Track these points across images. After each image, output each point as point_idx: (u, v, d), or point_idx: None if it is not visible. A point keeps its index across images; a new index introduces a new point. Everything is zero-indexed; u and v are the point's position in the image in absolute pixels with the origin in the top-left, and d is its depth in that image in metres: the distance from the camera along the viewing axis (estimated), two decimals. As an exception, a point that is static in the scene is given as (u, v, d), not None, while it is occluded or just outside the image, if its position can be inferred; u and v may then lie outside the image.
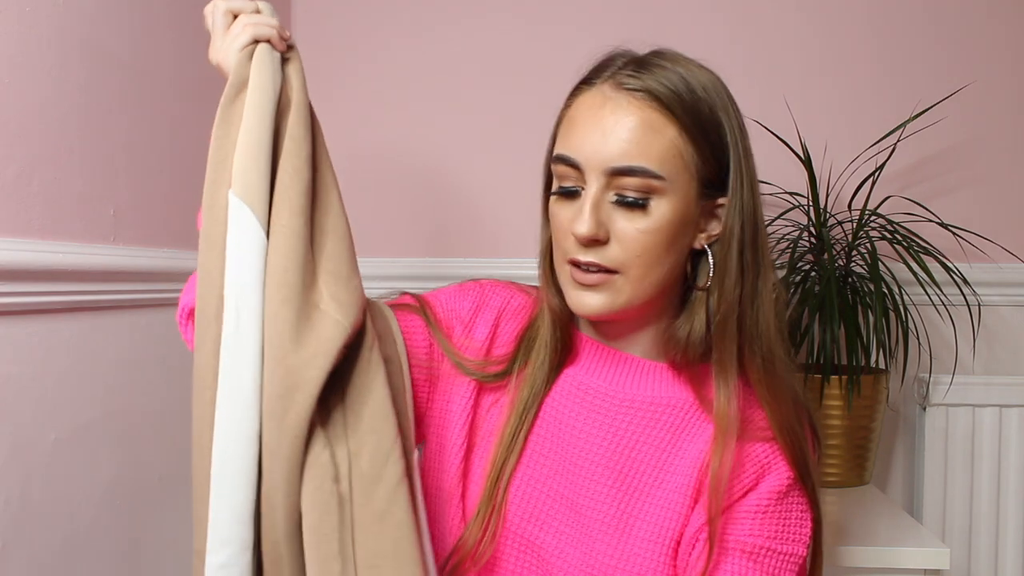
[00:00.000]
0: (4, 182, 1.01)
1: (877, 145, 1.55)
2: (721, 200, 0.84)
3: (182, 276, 1.37)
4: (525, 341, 0.91)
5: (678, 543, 0.83)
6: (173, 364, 1.37)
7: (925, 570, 1.16)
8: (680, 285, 0.87)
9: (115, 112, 1.22)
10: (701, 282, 0.86)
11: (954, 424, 1.52)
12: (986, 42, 1.62)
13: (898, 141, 1.51)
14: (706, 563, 0.80)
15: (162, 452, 1.33)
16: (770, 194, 1.59)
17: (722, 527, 0.81)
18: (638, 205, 0.80)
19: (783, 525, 0.82)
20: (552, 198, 0.85)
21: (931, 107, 1.54)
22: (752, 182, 0.84)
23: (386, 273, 1.76)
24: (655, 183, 0.79)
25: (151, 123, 1.31)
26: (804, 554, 0.83)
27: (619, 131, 0.79)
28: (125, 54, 1.24)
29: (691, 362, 0.86)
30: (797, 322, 1.47)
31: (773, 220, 1.53)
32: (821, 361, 1.41)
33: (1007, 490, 1.51)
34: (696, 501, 0.83)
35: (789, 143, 1.55)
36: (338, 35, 1.77)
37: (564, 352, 0.90)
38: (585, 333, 0.92)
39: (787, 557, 0.82)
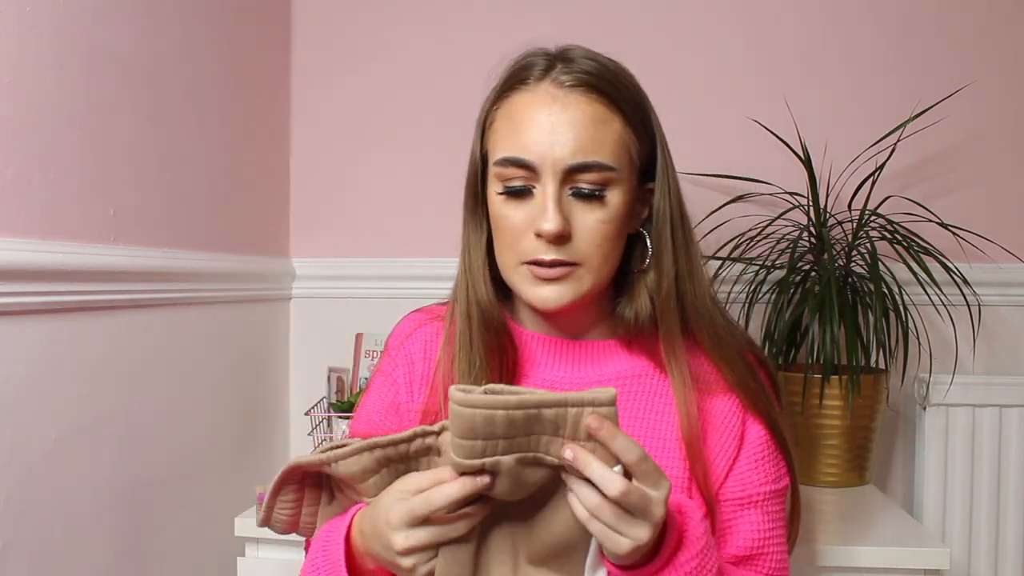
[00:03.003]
0: (4, 182, 1.01)
1: (877, 145, 1.55)
2: (650, 184, 0.89)
3: (182, 276, 1.37)
4: (456, 368, 0.89)
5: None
6: (173, 364, 1.37)
7: (925, 570, 1.16)
8: (618, 269, 0.90)
9: (115, 112, 1.22)
10: (638, 264, 0.90)
11: (954, 424, 1.52)
12: (986, 42, 1.62)
13: (898, 141, 1.51)
14: (710, 518, 0.85)
15: (162, 452, 1.33)
16: (770, 194, 1.59)
17: (731, 487, 0.88)
18: (596, 197, 0.83)
19: (775, 465, 0.90)
20: (499, 199, 0.85)
21: (931, 107, 1.54)
22: (672, 164, 0.89)
23: (386, 273, 1.76)
24: (609, 175, 0.83)
25: (151, 123, 1.31)
26: (788, 482, 0.91)
27: (572, 128, 0.81)
28: (125, 54, 1.24)
29: (640, 334, 0.90)
30: (797, 322, 1.47)
31: (773, 220, 1.53)
32: (821, 361, 1.41)
33: (1007, 490, 1.51)
34: (690, 465, 0.87)
35: (789, 143, 1.55)
36: (338, 35, 1.77)
37: (509, 355, 0.90)
38: (532, 330, 0.93)
39: (781, 491, 0.90)
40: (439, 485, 0.69)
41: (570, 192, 0.83)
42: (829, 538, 1.19)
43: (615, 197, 0.83)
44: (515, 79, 0.87)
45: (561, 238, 0.82)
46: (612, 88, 0.84)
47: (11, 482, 1.02)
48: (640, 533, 0.67)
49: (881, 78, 1.64)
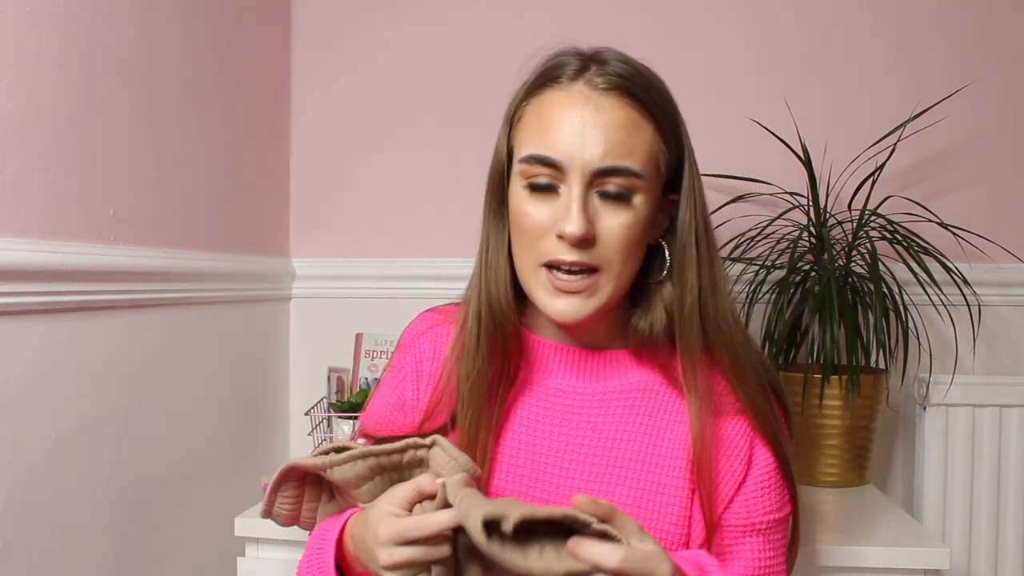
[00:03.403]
0: (4, 182, 1.01)
1: (877, 145, 1.55)
2: (673, 195, 0.87)
3: (182, 276, 1.37)
4: (460, 374, 0.89)
5: (688, 525, 0.85)
6: (173, 364, 1.37)
7: (925, 570, 1.16)
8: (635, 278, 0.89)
9: (115, 112, 1.22)
10: (655, 275, 0.88)
11: (954, 424, 1.52)
12: (986, 42, 1.62)
13: (898, 141, 1.51)
14: (708, 542, 0.85)
15: (162, 452, 1.33)
16: (770, 194, 1.59)
17: (735, 513, 0.86)
18: (621, 201, 0.81)
19: (780, 494, 0.88)
20: (522, 196, 0.83)
21: (931, 107, 1.54)
22: (699, 176, 0.88)
23: (386, 273, 1.76)
24: (636, 181, 0.81)
25: (151, 123, 1.31)
26: (791, 510, 0.90)
27: (604, 131, 0.80)
28: (125, 53, 1.24)
29: (652, 345, 0.88)
30: (797, 322, 1.47)
31: (773, 220, 1.53)
32: (821, 361, 1.41)
33: (1007, 490, 1.51)
34: (695, 485, 0.86)
35: (789, 143, 1.55)
36: (338, 35, 1.77)
37: (513, 360, 0.89)
38: (545, 337, 0.92)
39: (783, 520, 0.89)
40: (434, 513, 0.71)
41: (597, 195, 0.81)
42: (829, 538, 1.19)
43: (640, 204, 0.82)
44: (547, 77, 0.85)
45: (584, 241, 0.80)
46: (645, 94, 0.82)
47: (11, 482, 1.02)
48: None
49: (881, 78, 1.64)
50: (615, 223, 0.81)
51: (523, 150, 0.84)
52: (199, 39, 1.44)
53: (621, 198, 0.81)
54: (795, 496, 0.91)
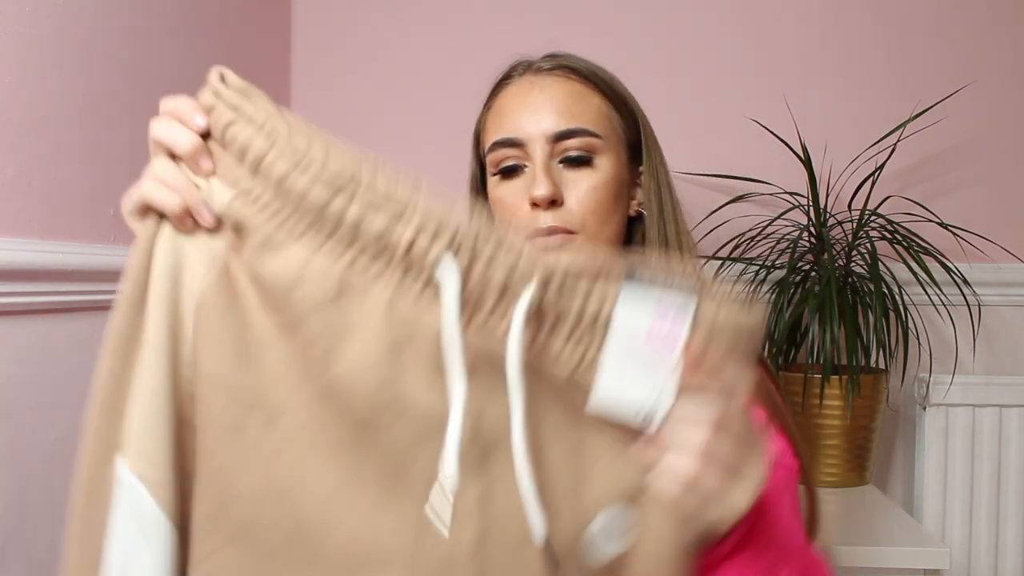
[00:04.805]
0: (4, 182, 1.01)
1: (877, 145, 1.55)
2: (641, 169, 0.92)
3: (182, 276, 1.37)
4: None
5: None
6: (173, 364, 1.36)
7: (925, 570, 1.16)
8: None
9: (115, 112, 1.22)
10: (638, 247, 0.91)
11: (954, 424, 1.52)
12: (986, 42, 1.62)
13: (898, 141, 1.51)
14: None
15: (162, 452, 1.33)
16: (770, 194, 1.59)
17: None
18: (584, 161, 0.86)
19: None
20: (493, 182, 0.89)
21: (931, 107, 1.54)
22: (661, 156, 0.92)
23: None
24: (595, 141, 0.86)
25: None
26: (795, 465, 0.84)
27: (552, 103, 0.86)
28: (126, 54, 1.24)
29: None
30: (797, 322, 1.47)
31: (773, 220, 1.53)
32: (821, 361, 1.41)
33: (1007, 490, 1.51)
34: None
35: (789, 143, 1.55)
36: (338, 35, 1.77)
37: None
38: None
39: (787, 469, 0.83)
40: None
41: (561, 159, 0.86)
42: (829, 538, 1.19)
43: (604, 164, 0.86)
44: (499, 81, 0.93)
45: (553, 203, 0.84)
46: (588, 71, 0.88)
47: (11, 482, 1.02)
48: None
49: (881, 78, 1.64)
50: (583, 186, 0.85)
51: (489, 141, 0.89)
52: (199, 39, 1.44)
53: (584, 161, 0.85)
54: (799, 452, 0.83)
